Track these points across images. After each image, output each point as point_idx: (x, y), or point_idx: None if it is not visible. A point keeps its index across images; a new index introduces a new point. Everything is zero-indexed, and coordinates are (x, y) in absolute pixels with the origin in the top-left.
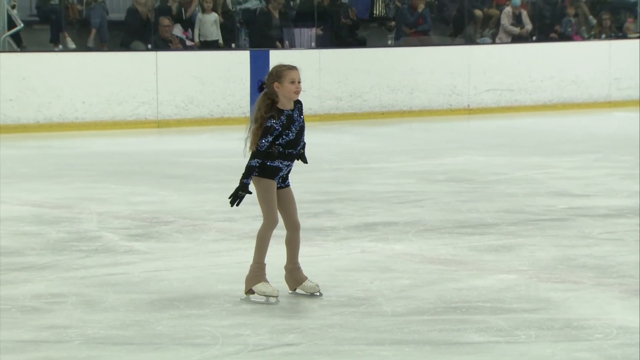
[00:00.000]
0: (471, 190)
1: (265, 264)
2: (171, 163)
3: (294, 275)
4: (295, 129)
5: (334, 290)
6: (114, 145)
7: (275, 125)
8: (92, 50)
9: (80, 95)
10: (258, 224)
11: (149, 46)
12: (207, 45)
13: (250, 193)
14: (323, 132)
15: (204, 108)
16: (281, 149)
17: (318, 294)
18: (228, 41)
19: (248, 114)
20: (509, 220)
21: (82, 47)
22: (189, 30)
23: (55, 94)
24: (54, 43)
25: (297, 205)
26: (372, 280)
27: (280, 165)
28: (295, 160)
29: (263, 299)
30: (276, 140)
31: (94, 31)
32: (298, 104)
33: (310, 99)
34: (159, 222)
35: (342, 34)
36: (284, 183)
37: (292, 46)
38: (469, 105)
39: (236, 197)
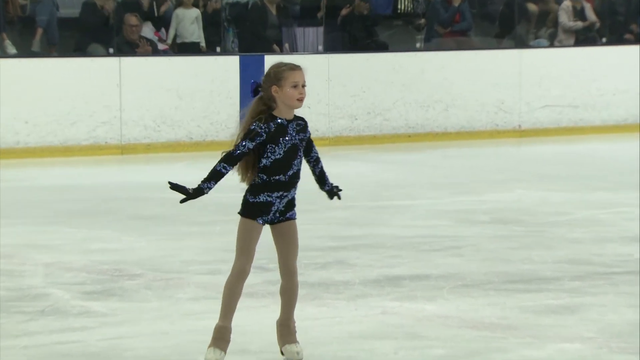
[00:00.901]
0: (523, 234)
1: (229, 328)
2: (139, 200)
3: (282, 332)
4: (285, 145)
5: None
6: (66, 177)
7: (259, 130)
8: (38, 55)
9: (23, 114)
10: (250, 276)
11: (111, 50)
12: (186, 48)
13: (197, 196)
14: (333, 160)
15: (181, 129)
16: (265, 177)
17: None
18: (212, 44)
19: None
20: (572, 274)
21: (24, 51)
22: (162, 29)
23: None
24: None
25: (301, 254)
26: (397, 349)
27: (270, 199)
28: (330, 198)
29: None
30: (259, 158)
31: (40, 31)
32: (300, 120)
33: (317, 118)
34: (122, 275)
35: (357, 34)
36: (283, 216)
37: (293, 50)
38: (519, 126)
39: (182, 194)
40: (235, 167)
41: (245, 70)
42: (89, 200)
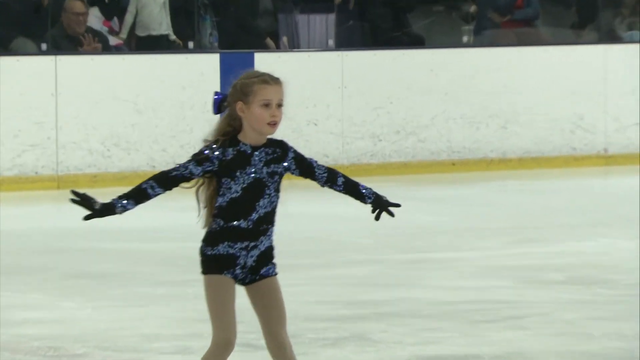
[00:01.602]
0: (612, 300)
1: None
2: (82, 251)
3: None
4: (244, 181)
5: None
6: (24, 218)
7: (210, 155)
8: None
9: None
10: (233, 356)
11: (44, 47)
12: (147, 44)
13: (106, 214)
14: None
15: (140, 155)
16: (222, 222)
17: None
18: (182, 37)
19: None
20: None
21: None
22: (114, 18)
23: None
24: None
25: (305, 325)
26: None
27: (231, 251)
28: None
29: None
30: (215, 195)
31: None
32: (274, 146)
33: (328, 138)
34: (59, 356)
35: (382, 23)
36: (254, 274)
37: (294, 46)
38: (605, 150)
39: (86, 208)
40: (200, 208)
41: (227, 74)
42: (12, 252)
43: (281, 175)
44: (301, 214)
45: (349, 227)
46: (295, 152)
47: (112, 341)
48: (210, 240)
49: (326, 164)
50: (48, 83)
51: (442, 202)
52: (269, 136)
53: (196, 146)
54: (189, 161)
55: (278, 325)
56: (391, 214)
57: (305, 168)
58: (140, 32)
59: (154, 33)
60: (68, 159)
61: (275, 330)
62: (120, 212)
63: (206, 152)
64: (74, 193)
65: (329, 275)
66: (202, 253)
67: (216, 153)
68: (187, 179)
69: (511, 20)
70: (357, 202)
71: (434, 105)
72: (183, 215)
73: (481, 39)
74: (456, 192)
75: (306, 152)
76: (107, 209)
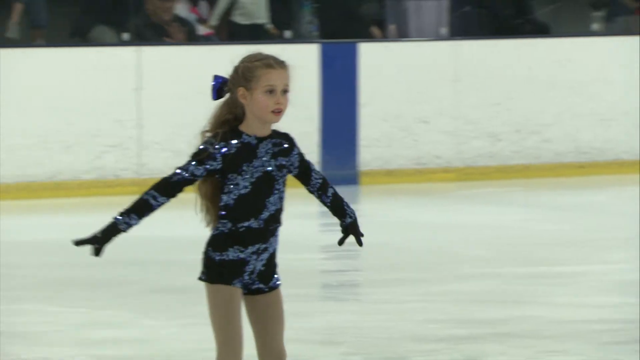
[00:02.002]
0: None
1: None
2: (168, 264)
3: None
4: (252, 174)
5: None
6: (52, 229)
7: (212, 150)
8: (16, 45)
9: None
10: None
11: (126, 36)
12: (240, 33)
13: (111, 237)
14: (462, 202)
15: None
16: (230, 225)
17: None
18: (279, 26)
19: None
20: None
21: None
22: (200, 4)
23: None
24: None
25: (407, 347)
26: None
27: (242, 256)
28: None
29: None
30: (220, 193)
31: (19, 8)
32: (280, 138)
33: (439, 138)
34: None
35: (500, 10)
36: (263, 284)
37: (402, 35)
38: None
39: (91, 244)
40: (199, 208)
41: (328, 66)
42: (88, 264)
43: (288, 170)
44: (409, 222)
45: (463, 238)
46: (299, 149)
47: None
48: (217, 244)
49: (438, 166)
50: (129, 77)
51: (567, 209)
52: (275, 128)
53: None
54: (189, 162)
55: (280, 339)
56: (360, 243)
57: (304, 169)
58: (239, 19)
59: (249, 22)
60: (151, 161)
61: (277, 344)
62: (125, 230)
63: (207, 149)
64: (77, 243)
65: (441, 290)
66: (209, 258)
67: (217, 148)
68: (190, 182)
69: None
70: (471, 215)
71: (560, 101)
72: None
73: (613, 27)
74: (583, 198)
75: (415, 153)
76: (111, 230)
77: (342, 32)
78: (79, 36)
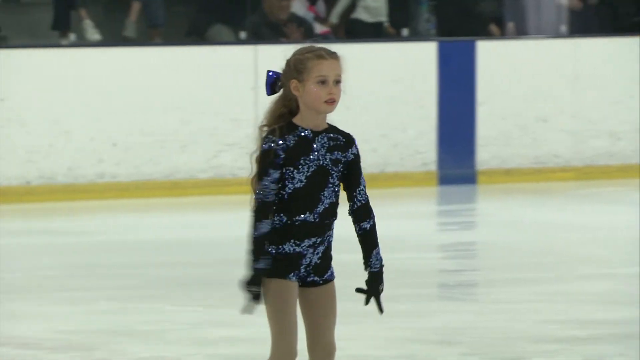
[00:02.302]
0: None
1: None
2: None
3: None
4: (309, 168)
5: None
6: (172, 229)
7: (276, 148)
8: (132, 43)
9: (107, 133)
10: None
11: (243, 35)
12: (356, 32)
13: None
14: (581, 201)
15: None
16: (285, 218)
17: None
18: (396, 24)
19: (433, 167)
20: None
21: (111, 36)
22: (318, 3)
23: (61, 128)
24: (60, 30)
25: (525, 347)
26: None
27: (298, 249)
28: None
29: None
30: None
31: (137, 7)
32: (337, 133)
33: (559, 137)
34: None
35: (621, 7)
36: (318, 276)
37: (521, 32)
38: None
39: (249, 301)
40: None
41: (446, 64)
42: (206, 263)
43: (344, 165)
44: (527, 222)
45: (581, 237)
46: (358, 150)
47: None
48: (273, 238)
49: (556, 165)
50: (247, 75)
51: None
52: (334, 124)
53: (409, 146)
54: (266, 172)
55: (330, 333)
56: (380, 310)
57: (353, 176)
58: (363, 17)
59: (373, 20)
60: None
61: (328, 337)
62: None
63: (271, 148)
64: (250, 292)
65: (559, 290)
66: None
67: (280, 142)
68: (277, 189)
69: None
70: (593, 216)
71: None
72: (402, 224)
73: None
74: None
75: (534, 152)
76: (260, 278)
77: (459, 30)
78: (195, 35)
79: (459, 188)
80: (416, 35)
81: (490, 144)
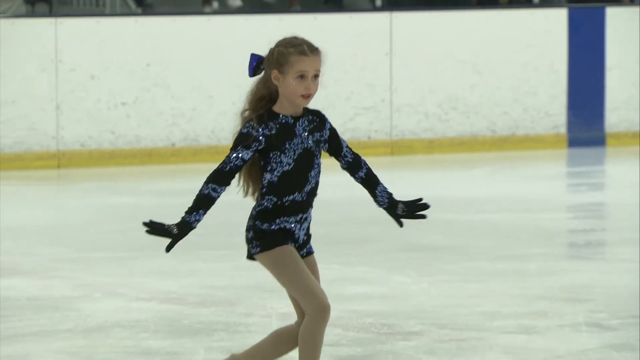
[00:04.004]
0: None
1: None
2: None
3: None
4: (295, 152)
5: None
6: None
7: (255, 133)
8: (272, 11)
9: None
10: (582, 337)
11: (379, 2)
12: None
13: (184, 234)
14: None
15: (480, 118)
16: (275, 199)
17: None
18: None
19: (563, 130)
20: None
21: (255, 4)
22: None
23: (205, 93)
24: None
25: None
26: None
27: (287, 225)
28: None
29: None
30: (263, 172)
31: None
32: (313, 115)
33: None
34: (394, 333)
35: None
36: (303, 250)
37: None
38: None
39: (163, 236)
40: (241, 181)
41: (576, 30)
42: (334, 222)
43: (324, 142)
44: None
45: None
46: (331, 124)
47: (450, 319)
48: (264, 217)
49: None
50: (382, 42)
51: None
52: (308, 106)
53: (541, 109)
54: (236, 149)
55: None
56: (422, 216)
57: (335, 144)
58: None
59: None
60: (402, 123)
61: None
62: (195, 226)
63: (250, 132)
64: (147, 225)
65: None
66: (258, 230)
67: (261, 130)
68: (241, 167)
69: None
70: None
71: None
72: (533, 185)
73: None
74: None
75: None
76: (184, 228)
77: None
78: (333, 3)
79: (588, 150)
80: (547, 2)
81: (620, 107)
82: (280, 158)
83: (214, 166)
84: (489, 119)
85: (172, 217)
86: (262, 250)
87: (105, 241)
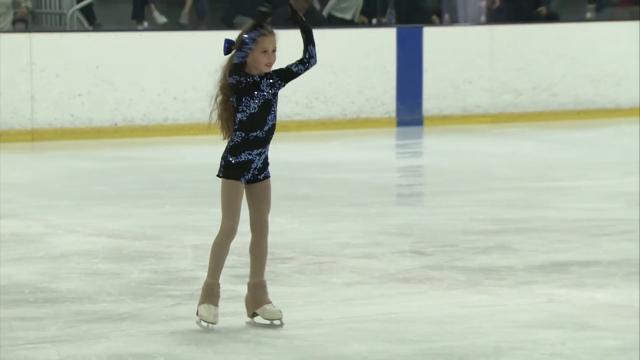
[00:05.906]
0: None
1: (217, 283)
2: (291, 180)
3: (255, 294)
4: (259, 100)
5: (513, 355)
6: (215, 156)
7: (238, 79)
8: (186, 28)
9: (172, 90)
10: (406, 261)
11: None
12: (337, 20)
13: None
14: (496, 138)
15: (334, 106)
16: (243, 134)
17: (278, 322)
18: (369, 15)
19: (393, 114)
20: None
21: (173, 24)
22: None
23: (139, 87)
24: (137, 19)
25: (457, 237)
26: (564, 340)
27: (250, 157)
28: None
29: (204, 324)
30: (235, 113)
31: (189, 2)
32: (271, 77)
33: (479, 93)
34: (274, 259)
35: (523, 4)
36: (260, 174)
37: (453, 21)
38: None
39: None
40: (220, 126)
41: (402, 43)
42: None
43: (279, 86)
44: (456, 152)
45: (496, 162)
46: (274, 70)
47: (314, 248)
48: (234, 150)
49: (477, 113)
50: None
51: (569, 143)
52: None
53: (377, 99)
54: (231, 74)
55: (266, 213)
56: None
57: (283, 73)
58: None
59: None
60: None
61: (264, 216)
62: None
63: (233, 80)
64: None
65: (480, 199)
66: (226, 161)
67: (240, 79)
68: (240, 66)
69: (624, 1)
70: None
71: (564, 67)
72: (365, 155)
73: (602, 15)
74: (580, 135)
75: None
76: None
77: (412, 19)
78: (225, 23)
79: (411, 129)
80: (381, 24)
81: (432, 98)
82: (249, 102)
83: (147, 141)
84: (341, 106)
85: (114, 176)
86: (222, 176)
87: (67, 193)
